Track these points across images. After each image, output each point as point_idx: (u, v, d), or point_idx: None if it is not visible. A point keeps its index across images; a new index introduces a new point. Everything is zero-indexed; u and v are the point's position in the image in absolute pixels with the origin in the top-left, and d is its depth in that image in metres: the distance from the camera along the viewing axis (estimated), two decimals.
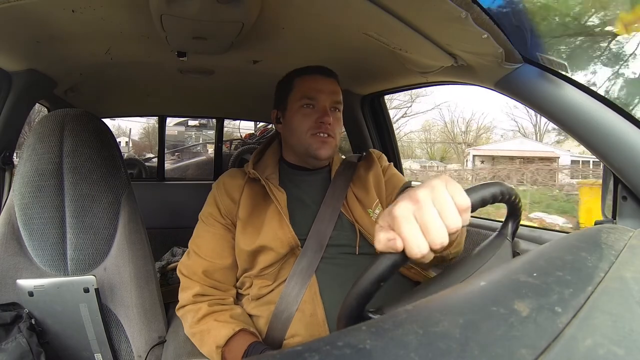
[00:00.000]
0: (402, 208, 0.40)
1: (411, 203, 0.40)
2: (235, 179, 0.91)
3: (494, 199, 0.47)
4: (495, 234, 0.57)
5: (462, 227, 0.41)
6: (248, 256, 0.83)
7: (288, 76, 0.93)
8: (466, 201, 0.41)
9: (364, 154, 1.05)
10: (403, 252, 0.39)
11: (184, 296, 0.85)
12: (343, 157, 1.02)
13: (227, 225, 0.87)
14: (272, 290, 0.82)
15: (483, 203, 0.46)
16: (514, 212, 0.56)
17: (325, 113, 0.86)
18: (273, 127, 2.94)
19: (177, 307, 0.86)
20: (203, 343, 0.78)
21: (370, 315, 0.43)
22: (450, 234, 0.40)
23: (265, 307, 0.82)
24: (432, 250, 0.39)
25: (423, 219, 0.39)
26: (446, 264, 0.69)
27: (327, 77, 0.90)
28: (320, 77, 0.89)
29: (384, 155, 1.03)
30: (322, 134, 0.86)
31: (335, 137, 0.89)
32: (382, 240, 0.40)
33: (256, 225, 0.84)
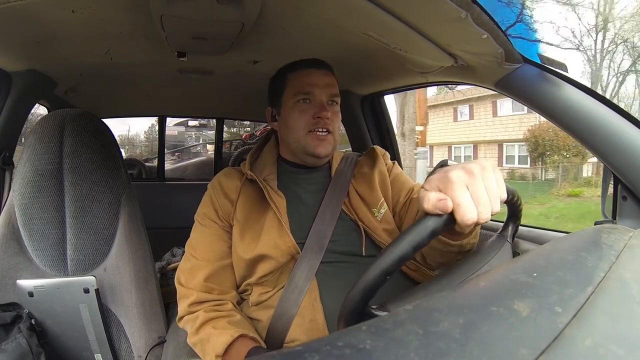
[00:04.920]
0: (457, 175, 0.44)
1: (465, 173, 0.44)
2: (231, 179, 0.88)
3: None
4: (495, 235, 0.57)
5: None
6: (247, 264, 0.80)
7: (280, 72, 0.90)
8: (503, 193, 0.46)
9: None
10: (451, 215, 0.42)
11: (180, 306, 0.81)
12: (343, 151, 0.98)
13: (224, 228, 0.85)
14: (272, 296, 0.80)
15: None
16: (515, 214, 0.56)
17: (322, 107, 0.82)
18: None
19: (177, 318, 0.83)
20: (204, 353, 0.75)
21: (374, 312, 0.44)
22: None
23: (264, 312, 0.80)
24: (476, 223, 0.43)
25: (476, 191, 0.43)
26: (461, 256, 0.67)
27: (320, 69, 0.86)
28: (314, 71, 0.85)
29: (387, 153, 0.99)
30: (320, 131, 0.83)
31: (334, 132, 0.85)
32: (433, 199, 0.43)
33: (254, 232, 0.81)
